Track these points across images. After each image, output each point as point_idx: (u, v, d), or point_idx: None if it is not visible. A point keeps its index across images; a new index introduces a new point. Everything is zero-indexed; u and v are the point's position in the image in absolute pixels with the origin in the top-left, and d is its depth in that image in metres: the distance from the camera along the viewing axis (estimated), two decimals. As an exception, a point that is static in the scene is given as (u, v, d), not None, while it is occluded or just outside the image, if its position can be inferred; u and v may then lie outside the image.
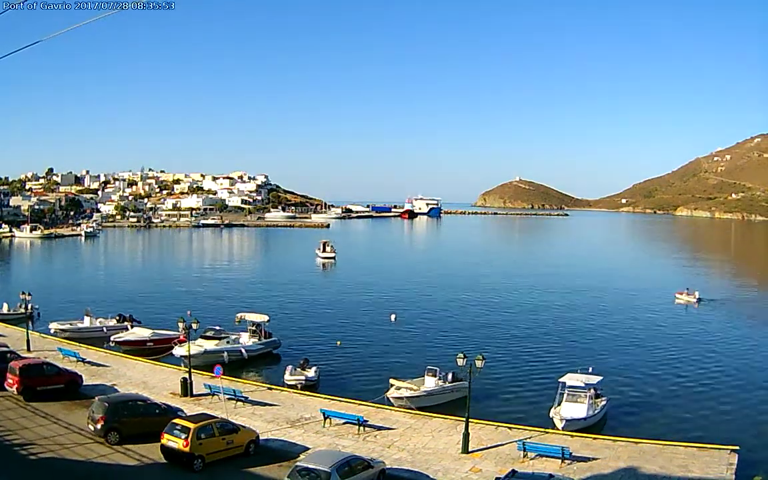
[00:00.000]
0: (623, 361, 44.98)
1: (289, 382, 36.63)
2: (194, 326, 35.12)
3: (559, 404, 31.58)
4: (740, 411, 34.94)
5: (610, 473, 23.89)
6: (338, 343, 47.93)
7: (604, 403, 32.91)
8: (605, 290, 79.85)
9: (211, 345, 41.48)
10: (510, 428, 28.78)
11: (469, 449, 25.86)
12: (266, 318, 45.18)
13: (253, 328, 44.65)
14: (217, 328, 44.22)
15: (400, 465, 23.86)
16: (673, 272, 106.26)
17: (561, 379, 33.16)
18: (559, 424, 29.74)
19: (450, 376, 35.05)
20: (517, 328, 56.01)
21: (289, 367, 38.25)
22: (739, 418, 33.53)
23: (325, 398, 33.15)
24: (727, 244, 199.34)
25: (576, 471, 23.80)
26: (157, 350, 42.72)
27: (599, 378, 33.80)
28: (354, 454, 23.02)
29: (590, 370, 34.92)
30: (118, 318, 49.93)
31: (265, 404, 31.70)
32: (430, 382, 34.71)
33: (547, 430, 28.84)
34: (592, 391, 32.23)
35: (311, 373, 37.79)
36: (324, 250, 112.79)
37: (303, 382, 36.65)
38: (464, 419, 26.85)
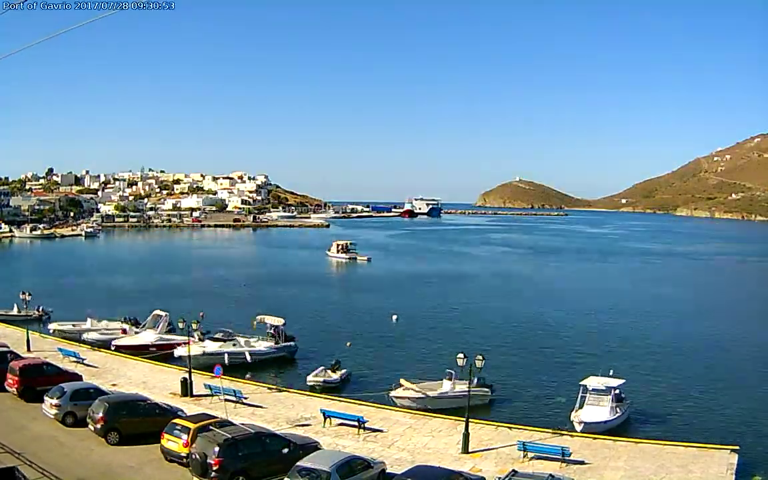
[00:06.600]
0: (623, 363, 44.86)
1: (309, 383, 36.87)
2: (194, 326, 35.10)
3: (580, 407, 31.16)
4: (740, 411, 34.90)
5: (610, 473, 23.88)
6: (348, 344, 47.86)
7: (625, 407, 32.37)
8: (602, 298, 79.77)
9: (212, 346, 41.25)
10: (510, 428, 28.73)
11: (469, 449, 25.85)
12: (282, 321, 44.54)
13: (271, 331, 44.12)
14: (229, 331, 43.72)
15: (400, 465, 23.85)
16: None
17: (582, 382, 32.47)
18: (578, 427, 29.30)
19: (474, 381, 31.37)
20: (518, 331, 56.02)
21: (320, 368, 38.39)
22: (739, 418, 33.51)
23: (326, 398, 33.17)
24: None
25: (576, 471, 23.77)
26: (160, 356, 41.33)
27: (621, 381, 33.01)
28: (354, 454, 22.98)
29: (611, 372, 34.13)
30: (123, 320, 48.26)
31: (266, 405, 31.69)
32: (446, 385, 34.09)
33: (547, 430, 28.67)
34: (614, 394, 31.60)
35: (335, 375, 37.94)
36: (345, 251, 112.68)
37: (321, 383, 36.86)
38: (464, 419, 26.86)
